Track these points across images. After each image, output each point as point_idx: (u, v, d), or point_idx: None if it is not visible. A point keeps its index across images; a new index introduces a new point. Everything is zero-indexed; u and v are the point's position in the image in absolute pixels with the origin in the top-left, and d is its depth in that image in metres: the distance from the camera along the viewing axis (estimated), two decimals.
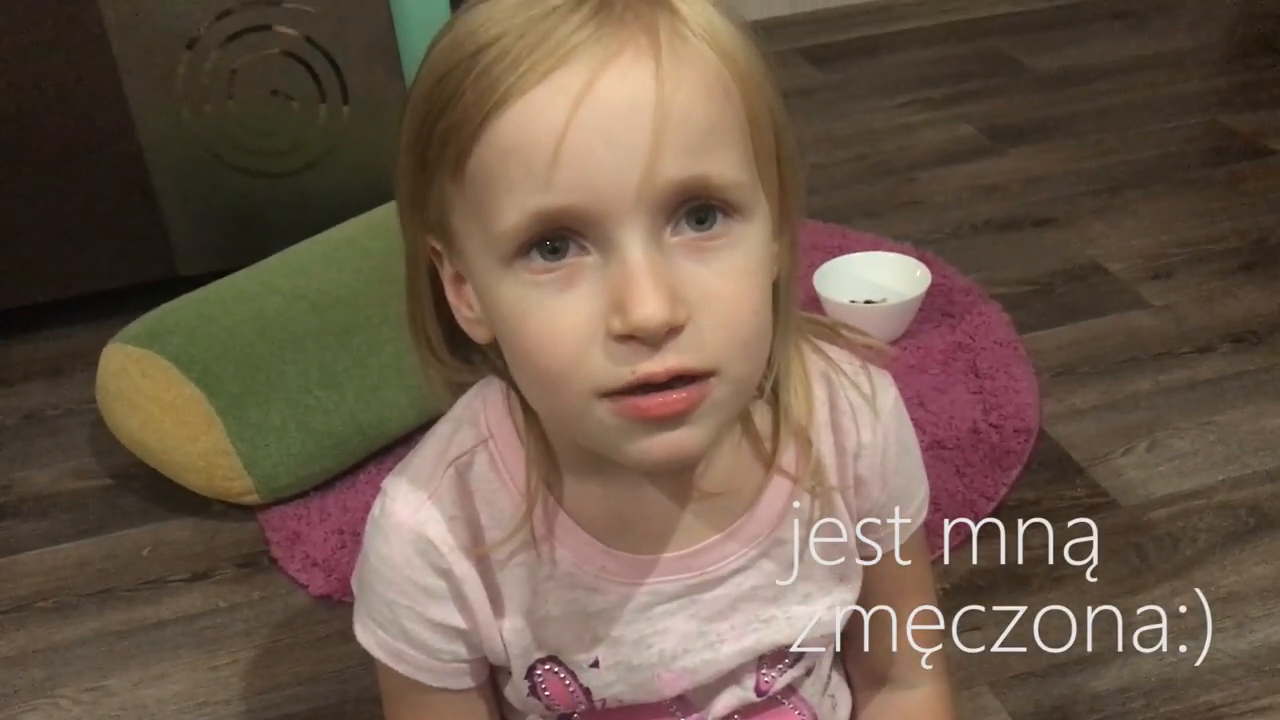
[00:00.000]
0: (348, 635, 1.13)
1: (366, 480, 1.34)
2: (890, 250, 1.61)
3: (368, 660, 1.10)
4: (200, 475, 1.28)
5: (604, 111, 0.48)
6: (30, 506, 1.37)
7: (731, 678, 0.70)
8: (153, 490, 1.36)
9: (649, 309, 0.49)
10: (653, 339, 0.50)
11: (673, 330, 0.50)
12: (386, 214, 1.52)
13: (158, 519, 1.33)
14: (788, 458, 0.65)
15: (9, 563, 1.29)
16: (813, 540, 0.67)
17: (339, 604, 1.18)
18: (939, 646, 0.78)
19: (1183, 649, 1.05)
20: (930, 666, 0.77)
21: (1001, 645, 1.07)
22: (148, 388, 1.29)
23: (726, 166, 0.51)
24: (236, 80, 1.60)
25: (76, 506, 1.36)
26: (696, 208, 0.51)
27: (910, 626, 0.75)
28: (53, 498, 1.38)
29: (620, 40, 0.49)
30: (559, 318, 0.51)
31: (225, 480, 1.28)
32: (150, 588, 1.24)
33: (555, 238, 0.50)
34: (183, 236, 1.66)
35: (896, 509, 0.70)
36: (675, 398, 0.52)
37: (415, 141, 0.53)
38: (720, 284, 0.52)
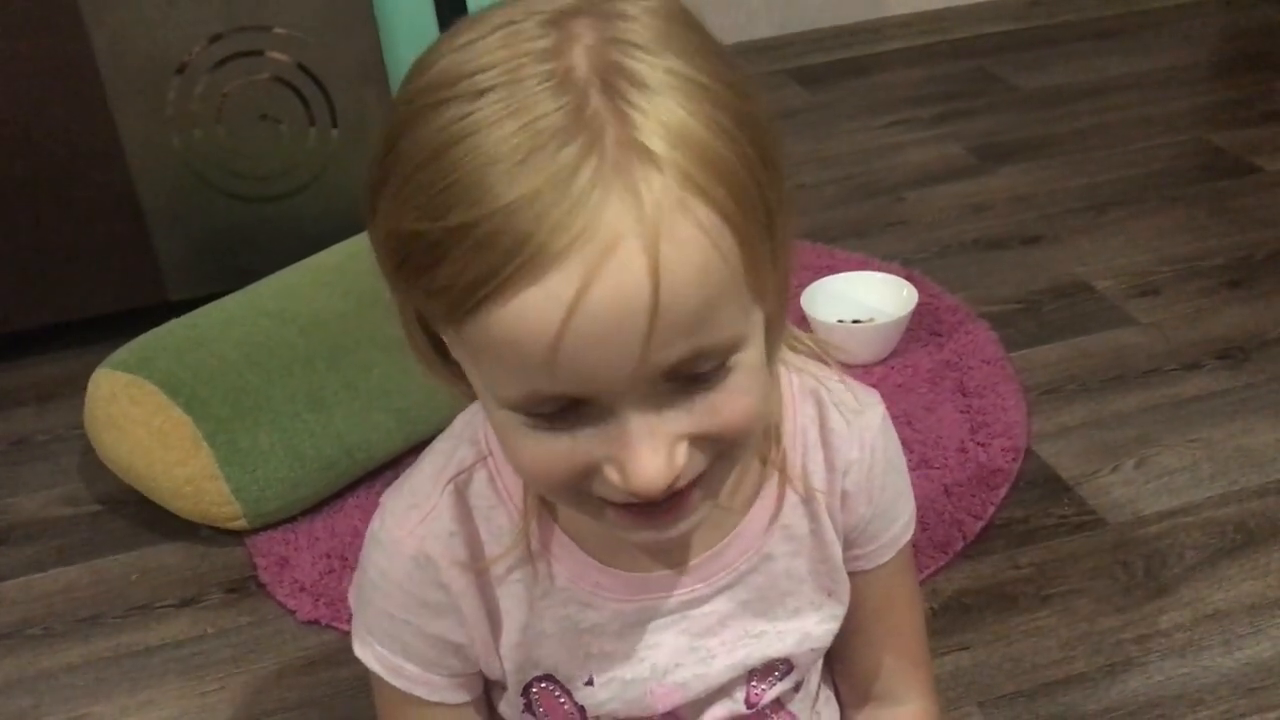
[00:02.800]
0: (336, 660, 1.14)
1: (355, 504, 1.34)
2: (878, 270, 1.61)
3: (356, 685, 1.11)
4: (188, 501, 1.28)
5: (599, 318, 0.46)
6: (18, 533, 1.37)
7: (722, 691, 0.70)
8: (141, 516, 1.36)
9: (650, 474, 0.50)
10: (656, 497, 0.51)
11: (674, 479, 0.51)
12: None
13: (146, 545, 1.33)
14: (774, 459, 0.66)
15: None
16: (800, 555, 0.68)
17: (327, 629, 1.18)
18: (926, 663, 0.78)
19: (1170, 667, 1.06)
20: (918, 683, 0.77)
21: (989, 664, 1.08)
22: (136, 413, 1.29)
23: (723, 327, 0.50)
24: (226, 105, 1.60)
25: (64, 533, 1.36)
26: (693, 368, 0.50)
27: (897, 642, 0.76)
28: (41, 524, 1.38)
29: (613, 231, 0.45)
30: (557, 457, 0.52)
31: (213, 505, 1.27)
32: (138, 614, 1.23)
33: (554, 403, 0.50)
34: (172, 261, 1.66)
35: (883, 525, 0.71)
36: (669, 507, 0.53)
37: (397, 261, 0.50)
38: (718, 415, 0.52)
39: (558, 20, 0.48)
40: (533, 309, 0.46)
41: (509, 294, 0.46)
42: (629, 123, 0.46)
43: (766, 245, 0.51)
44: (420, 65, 0.50)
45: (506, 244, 0.45)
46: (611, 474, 0.51)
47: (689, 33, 0.50)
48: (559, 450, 0.51)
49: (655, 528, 0.55)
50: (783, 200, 0.53)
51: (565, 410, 0.50)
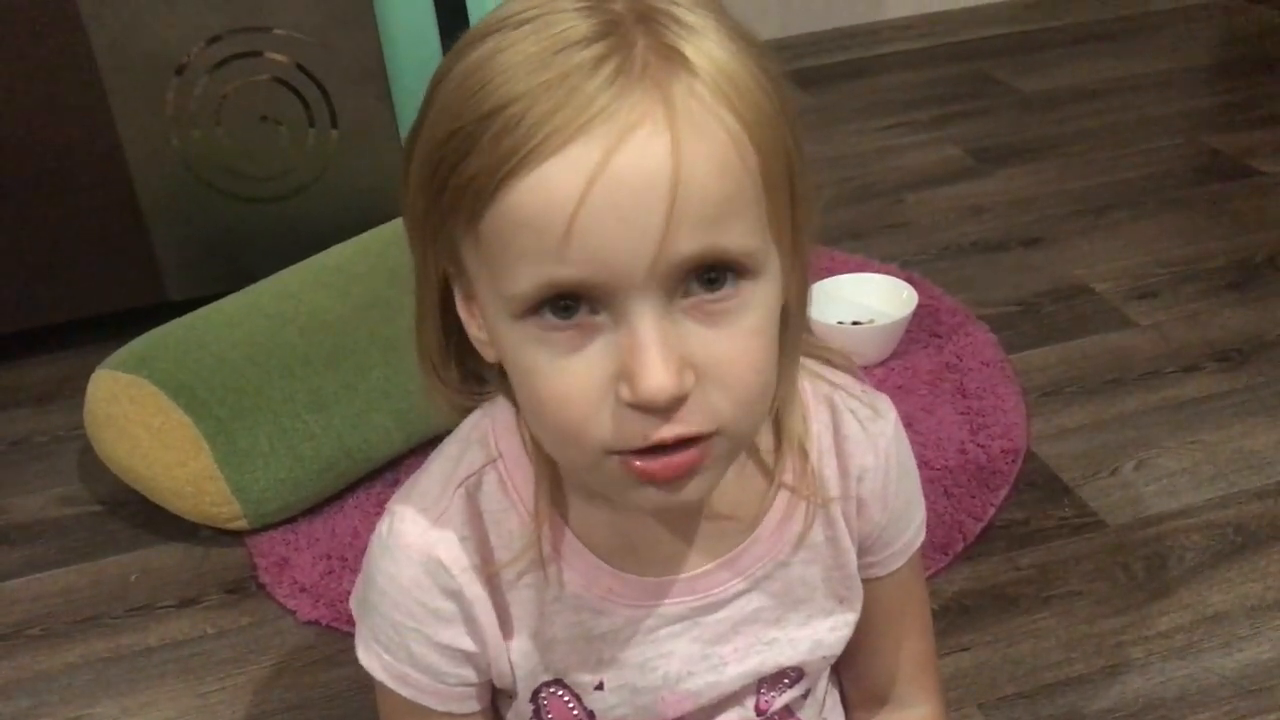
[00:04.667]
0: (336, 661, 1.14)
1: (354, 505, 1.34)
2: (877, 272, 1.62)
3: (356, 686, 1.11)
4: (188, 501, 1.28)
5: (619, 189, 0.47)
6: (18, 533, 1.36)
7: (733, 698, 0.70)
8: (140, 516, 1.35)
9: (657, 382, 0.50)
10: (661, 410, 0.51)
11: (679, 398, 0.51)
12: (375, 239, 1.53)
13: (145, 545, 1.33)
14: (788, 476, 0.65)
15: None
16: (815, 562, 0.68)
17: (327, 629, 1.18)
18: (935, 668, 0.78)
19: (1171, 668, 1.06)
20: (926, 688, 0.77)
21: (990, 665, 1.08)
22: (136, 414, 1.29)
23: (740, 235, 0.51)
24: (225, 106, 1.60)
25: (64, 533, 1.36)
26: (708, 272, 0.51)
27: (907, 647, 0.76)
28: (40, 524, 1.38)
29: (638, 112, 0.48)
30: (570, 379, 0.52)
31: (213, 506, 1.27)
32: (137, 614, 1.23)
33: (567, 300, 0.51)
34: (171, 262, 1.66)
35: (897, 531, 0.71)
36: (679, 460, 0.53)
37: (426, 185, 0.53)
38: (728, 347, 0.52)
39: None
40: (554, 178, 0.48)
41: (532, 166, 0.48)
42: (663, 36, 0.50)
43: (786, 195, 0.53)
44: (464, 35, 0.54)
45: (532, 119, 0.48)
46: (623, 390, 0.51)
47: (726, 14, 0.53)
48: (574, 378, 0.51)
49: (664, 479, 0.53)
50: (805, 171, 0.55)
51: (578, 317, 0.51)
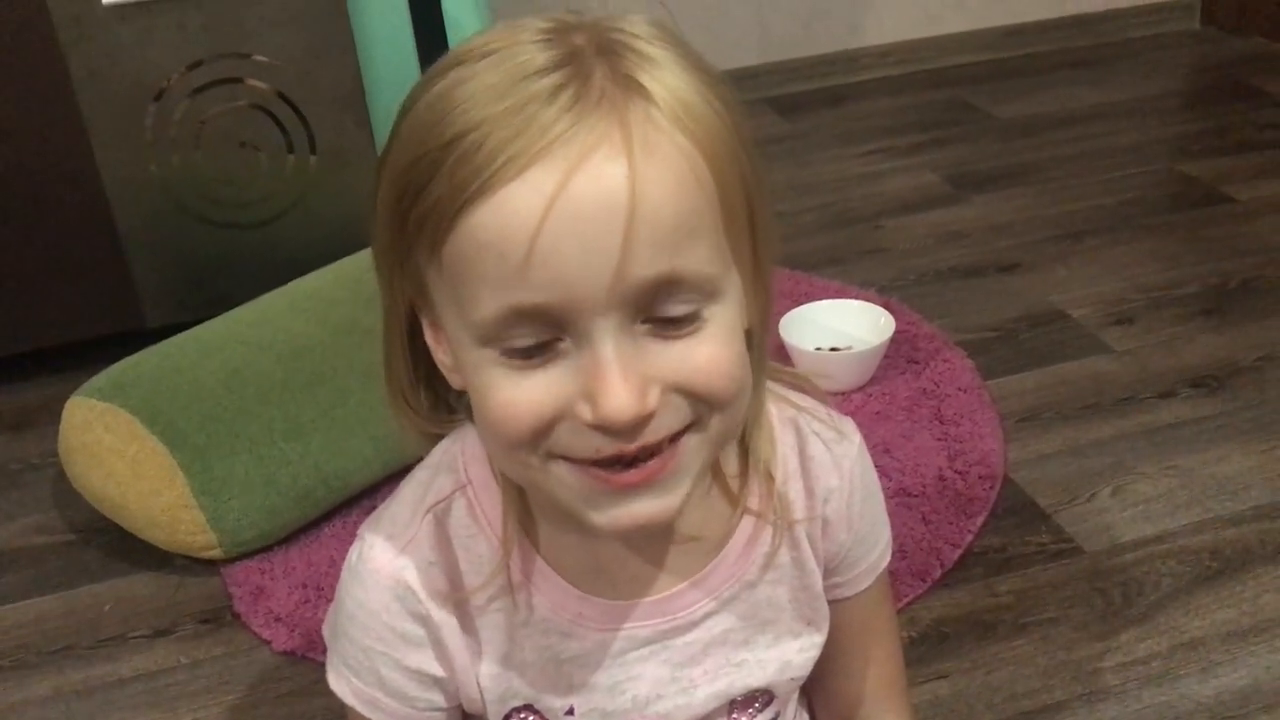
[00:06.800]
0: (311, 691, 1.13)
1: (331, 534, 1.33)
2: (855, 297, 1.62)
3: (331, 717, 1.10)
4: (163, 530, 1.27)
5: (577, 213, 0.48)
6: None
7: None
8: (115, 545, 1.34)
9: (619, 402, 0.50)
10: (624, 431, 0.51)
11: (643, 417, 0.51)
12: (353, 265, 1.52)
13: (119, 574, 1.32)
14: (754, 500, 0.66)
15: None
16: (781, 583, 0.68)
17: (303, 660, 1.17)
18: (904, 688, 0.79)
19: (1148, 695, 1.06)
20: (896, 709, 0.78)
21: (968, 693, 1.08)
22: (111, 441, 1.28)
23: (698, 260, 0.51)
24: (204, 132, 1.60)
25: (37, 562, 1.35)
26: (667, 294, 0.51)
27: (876, 668, 0.76)
28: (13, 553, 1.36)
29: (595, 135, 0.49)
30: (525, 393, 0.52)
31: (188, 535, 1.26)
32: (111, 645, 1.22)
33: (529, 324, 0.51)
34: (149, 288, 1.66)
35: (862, 551, 0.71)
36: (648, 468, 0.53)
37: (392, 214, 0.54)
38: (694, 363, 0.52)
39: (560, 23, 0.53)
40: (513, 203, 0.49)
41: (492, 191, 0.49)
42: (621, 66, 0.51)
43: (745, 221, 0.54)
44: (436, 62, 0.55)
45: (491, 145, 0.49)
46: (583, 411, 0.51)
47: (685, 47, 0.54)
48: (531, 391, 0.52)
49: (631, 495, 0.53)
50: (765, 198, 0.55)
51: (540, 343, 0.51)
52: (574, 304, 0.50)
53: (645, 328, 0.51)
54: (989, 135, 2.28)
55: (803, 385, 0.69)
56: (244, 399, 1.31)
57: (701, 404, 0.53)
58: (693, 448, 0.55)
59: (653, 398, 0.51)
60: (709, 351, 0.53)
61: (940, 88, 2.54)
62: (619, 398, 0.50)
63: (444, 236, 0.51)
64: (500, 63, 0.51)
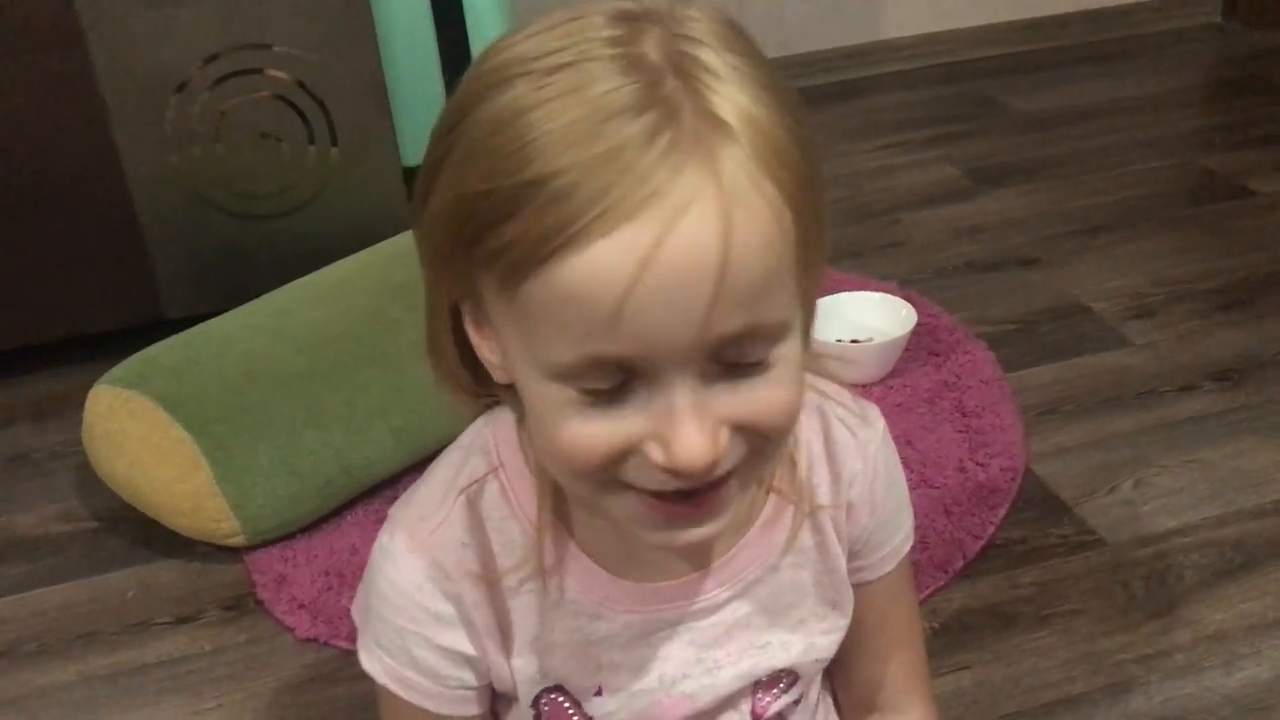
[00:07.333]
0: (334, 678, 1.14)
1: (353, 522, 1.34)
2: (876, 290, 1.62)
3: (354, 703, 1.10)
4: (186, 517, 1.28)
5: (669, 273, 0.47)
6: (15, 550, 1.36)
7: (729, 703, 0.71)
8: (138, 533, 1.35)
9: (695, 451, 0.50)
10: (697, 477, 0.52)
11: (715, 463, 0.52)
12: (374, 256, 1.53)
13: (143, 562, 1.32)
14: (778, 483, 0.67)
15: None
16: (804, 567, 0.69)
17: (325, 646, 1.18)
18: (926, 673, 0.79)
19: (1171, 687, 1.05)
20: (918, 693, 0.78)
21: (990, 684, 1.08)
22: (134, 429, 1.29)
23: (776, 309, 0.51)
24: (225, 123, 1.61)
25: (61, 549, 1.35)
26: (745, 343, 0.51)
27: (897, 653, 0.76)
28: (37, 541, 1.37)
29: (688, 192, 0.47)
30: (596, 430, 0.52)
31: (211, 522, 1.27)
32: (134, 631, 1.23)
33: (604, 371, 0.51)
34: (170, 279, 1.66)
35: (885, 536, 0.72)
36: (703, 502, 0.54)
37: (455, 231, 0.52)
38: (761, 403, 0.53)
39: (624, 17, 0.51)
40: (606, 260, 0.47)
41: (582, 245, 0.47)
42: (704, 99, 0.49)
43: (816, 241, 0.53)
44: (487, 53, 0.53)
45: (584, 195, 0.47)
46: (654, 451, 0.51)
47: (746, 42, 0.53)
48: (601, 428, 0.52)
49: (686, 522, 0.55)
50: (826, 209, 0.55)
51: (614, 385, 0.51)
52: (655, 356, 0.49)
53: (716, 369, 0.51)
54: (1007, 129, 2.27)
55: (826, 372, 0.69)
56: (266, 388, 1.32)
57: (761, 439, 0.54)
58: (744, 475, 0.55)
59: (723, 439, 0.52)
60: (776, 393, 0.53)
61: (958, 82, 2.54)
62: (695, 446, 0.50)
63: (522, 278, 0.49)
64: (578, 89, 0.48)
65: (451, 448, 0.68)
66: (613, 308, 0.48)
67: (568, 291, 0.48)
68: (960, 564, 1.20)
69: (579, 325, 0.49)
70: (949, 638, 1.12)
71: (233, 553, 1.31)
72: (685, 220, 0.47)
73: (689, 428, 0.50)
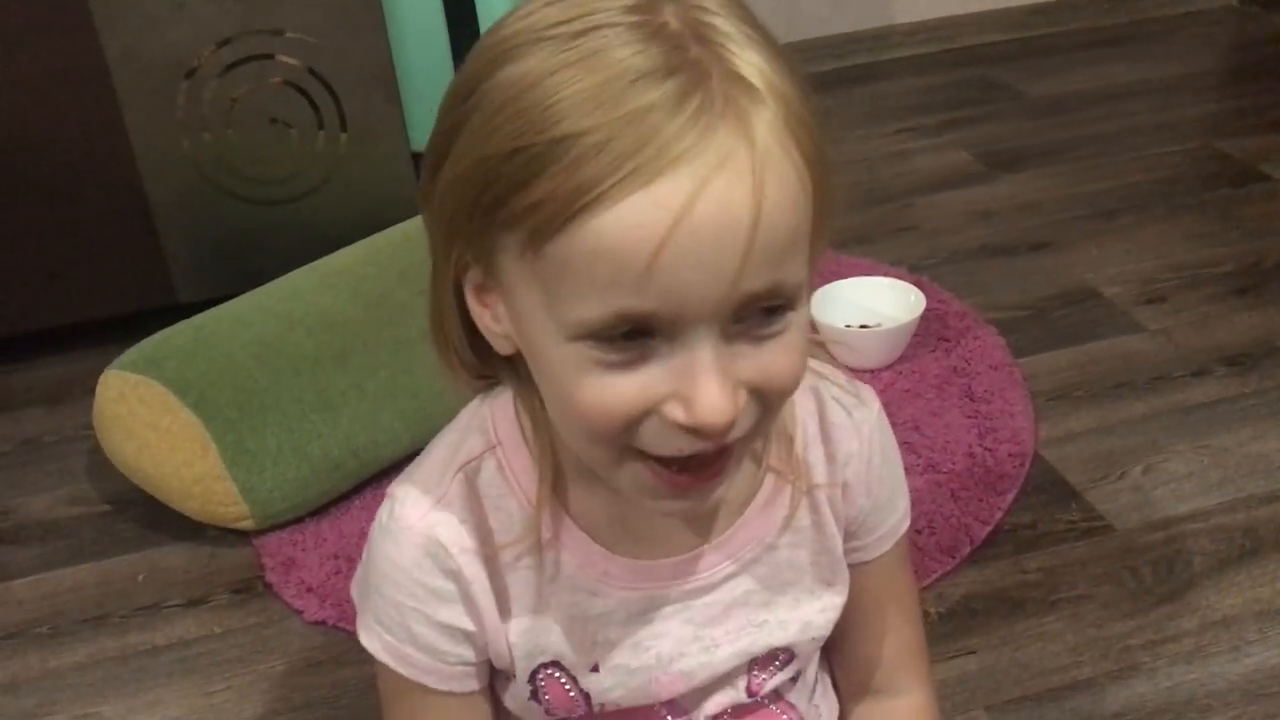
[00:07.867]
0: (343, 661, 1.14)
1: (361, 505, 1.34)
2: (885, 275, 1.62)
3: (362, 686, 1.11)
4: (196, 501, 1.28)
5: (700, 232, 0.48)
6: (26, 533, 1.37)
7: (725, 680, 0.71)
8: (148, 516, 1.36)
9: (716, 407, 0.51)
10: (714, 434, 0.52)
11: (734, 422, 0.52)
12: (384, 241, 1.53)
13: (153, 545, 1.33)
14: (773, 460, 0.67)
15: (3, 589, 1.29)
16: (801, 546, 0.69)
17: (334, 629, 1.18)
18: (924, 654, 0.79)
19: (1179, 673, 1.05)
20: (916, 674, 0.78)
21: (997, 669, 1.07)
22: (145, 414, 1.29)
23: (797, 269, 0.52)
24: (236, 109, 1.61)
25: (72, 533, 1.36)
26: (768, 302, 0.52)
27: (895, 634, 0.77)
28: (48, 524, 1.38)
29: (721, 151, 0.48)
30: (617, 391, 0.52)
31: (221, 506, 1.28)
32: (144, 614, 1.24)
33: (632, 327, 0.51)
34: (181, 264, 1.67)
35: (881, 516, 0.72)
36: (709, 473, 0.55)
37: (476, 194, 0.52)
38: (774, 366, 0.53)
39: None
40: (638, 215, 0.48)
41: (615, 200, 0.48)
42: (730, 64, 0.50)
43: (826, 209, 0.55)
44: (498, 26, 0.53)
45: (617, 152, 0.47)
46: (675, 411, 0.52)
47: (754, 17, 0.54)
48: (623, 388, 0.52)
49: (694, 490, 0.56)
50: (835, 180, 0.55)
51: (636, 342, 0.51)
52: (683, 313, 0.50)
53: (736, 329, 0.52)
54: (1020, 113, 2.26)
55: (821, 353, 0.70)
56: (275, 372, 1.32)
57: (765, 405, 0.55)
58: (743, 445, 0.56)
59: (741, 400, 0.52)
60: (789, 357, 0.54)
61: (970, 66, 2.52)
62: (717, 402, 0.51)
63: (550, 235, 0.49)
64: (600, 50, 0.49)
65: (448, 427, 0.68)
66: (645, 262, 0.48)
67: (600, 245, 0.48)
68: (968, 549, 1.20)
69: (609, 280, 0.49)
70: (956, 623, 1.12)
71: (242, 536, 1.32)
72: (719, 179, 0.48)
73: (711, 385, 0.51)
